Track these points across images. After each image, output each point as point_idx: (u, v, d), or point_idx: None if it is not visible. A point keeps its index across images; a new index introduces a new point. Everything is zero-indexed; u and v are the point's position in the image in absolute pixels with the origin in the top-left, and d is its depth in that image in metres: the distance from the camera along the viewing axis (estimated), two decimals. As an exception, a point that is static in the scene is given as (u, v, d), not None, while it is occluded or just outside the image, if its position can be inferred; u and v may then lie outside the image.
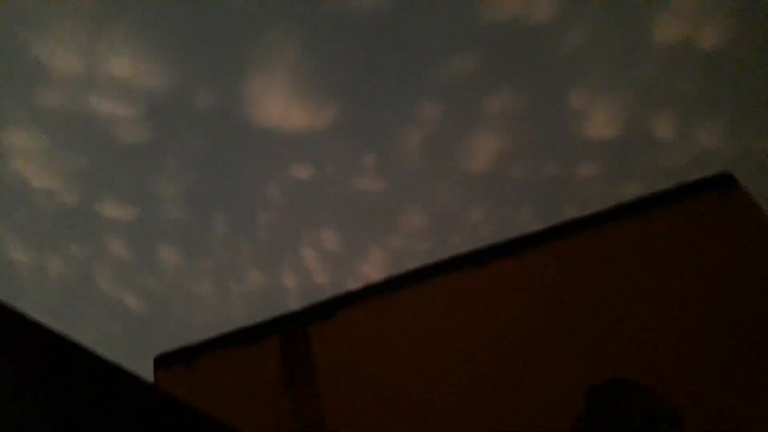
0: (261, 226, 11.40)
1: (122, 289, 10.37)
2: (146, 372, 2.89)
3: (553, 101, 10.55)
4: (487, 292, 3.04)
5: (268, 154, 11.14)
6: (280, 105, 10.93)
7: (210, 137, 10.64)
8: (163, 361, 3.08)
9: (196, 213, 10.99)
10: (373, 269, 11.93)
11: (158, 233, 10.81)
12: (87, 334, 10.45)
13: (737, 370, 2.44)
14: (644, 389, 1.97)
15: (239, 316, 11.58)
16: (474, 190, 12.80)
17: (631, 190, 10.37)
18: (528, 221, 11.28)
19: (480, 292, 3.05)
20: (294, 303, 11.93)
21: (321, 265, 11.71)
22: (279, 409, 2.88)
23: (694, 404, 2.34)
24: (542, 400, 2.57)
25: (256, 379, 3.06)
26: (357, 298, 3.22)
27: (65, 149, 9.54)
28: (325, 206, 11.71)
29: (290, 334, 3.15)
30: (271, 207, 11.25)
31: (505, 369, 2.77)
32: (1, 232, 9.57)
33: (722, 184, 2.96)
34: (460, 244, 12.77)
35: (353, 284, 12.20)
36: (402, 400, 2.81)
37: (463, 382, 2.75)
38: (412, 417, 2.74)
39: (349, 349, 3.06)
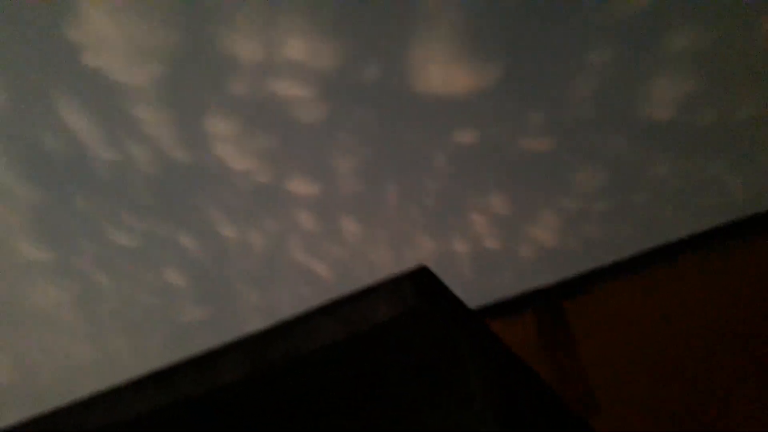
0: (430, 193, 12.01)
1: (312, 258, 11.72)
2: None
3: (744, 33, 9.52)
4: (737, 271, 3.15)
5: (432, 121, 11.58)
6: (442, 70, 11.24)
7: (377, 109, 11.35)
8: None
9: (370, 184, 11.91)
10: (545, 233, 12.00)
11: (339, 205, 11.94)
12: (284, 298, 12.04)
13: None
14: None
15: (413, 280, 12.38)
16: (657, 141, 12.15)
17: None
18: (721, 172, 10.49)
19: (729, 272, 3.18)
20: (466, 269, 12.49)
21: (491, 230, 12.05)
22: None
23: None
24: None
25: (516, 348, 3.55)
26: (608, 275, 3.51)
27: (255, 132, 10.84)
28: (492, 169, 11.95)
29: (546, 308, 3.56)
30: (438, 174, 11.77)
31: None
32: (210, 211, 11.27)
33: None
34: (644, 202, 12.28)
35: (525, 250, 12.40)
36: (656, 369, 3.10)
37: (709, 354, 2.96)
38: (667, 382, 3.02)
39: (604, 322, 3.40)
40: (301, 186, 11.53)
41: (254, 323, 12.33)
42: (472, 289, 12.39)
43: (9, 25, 8.26)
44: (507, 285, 12.45)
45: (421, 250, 12.34)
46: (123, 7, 8.42)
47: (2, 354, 11.00)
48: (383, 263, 12.45)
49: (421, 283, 1.50)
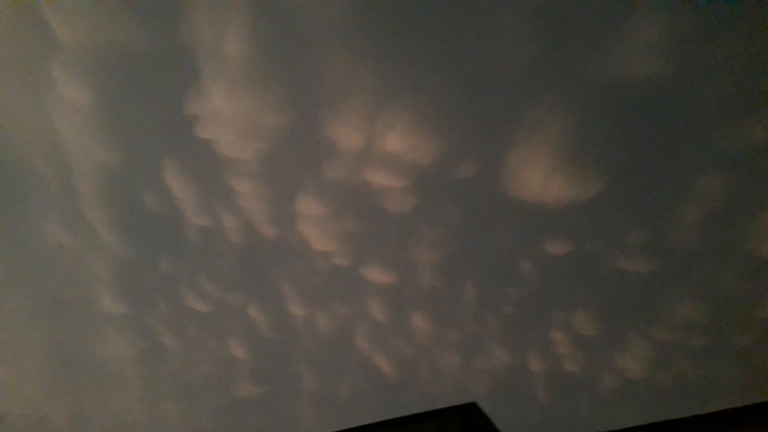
0: (511, 301, 11.82)
1: (376, 351, 11.66)
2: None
3: None
4: None
5: (523, 227, 11.58)
6: (539, 177, 11.33)
7: (467, 208, 11.50)
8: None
9: (449, 282, 11.90)
10: (633, 363, 11.43)
11: (412, 300, 11.96)
12: (342, 389, 11.95)
13: None
14: None
15: (481, 393, 12.01)
16: (765, 281, 11.56)
17: None
18: None
19: None
20: (539, 391, 11.98)
21: (572, 352, 11.61)
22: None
23: None
24: None
25: None
26: None
27: (342, 216, 11.22)
28: (582, 286, 11.67)
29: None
30: (522, 282, 11.62)
31: None
32: (284, 288, 11.58)
33: None
34: (746, 343, 11.57)
35: (608, 379, 11.82)
36: None
37: None
38: None
39: None
40: (377, 274, 11.70)
41: (308, 410, 12.22)
42: (544, 413, 11.81)
43: (135, 92, 9.15)
44: (583, 414, 11.79)
45: (492, 362, 12.01)
46: (241, 87, 9.17)
47: (62, 400, 11.43)
48: (450, 368, 12.19)
49: (467, 422, 1.51)
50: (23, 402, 11.32)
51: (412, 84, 9.99)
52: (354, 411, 11.87)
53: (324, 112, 10.27)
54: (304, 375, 11.86)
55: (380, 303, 11.94)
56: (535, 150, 10.33)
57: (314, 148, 10.61)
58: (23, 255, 10.80)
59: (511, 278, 11.69)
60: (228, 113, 9.62)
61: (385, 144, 10.70)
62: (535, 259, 11.46)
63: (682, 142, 10.90)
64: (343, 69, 9.63)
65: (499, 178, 10.81)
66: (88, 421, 10.92)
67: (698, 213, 10.94)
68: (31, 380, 11.33)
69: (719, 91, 10.12)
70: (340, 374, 12.02)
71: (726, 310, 11.66)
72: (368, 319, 11.83)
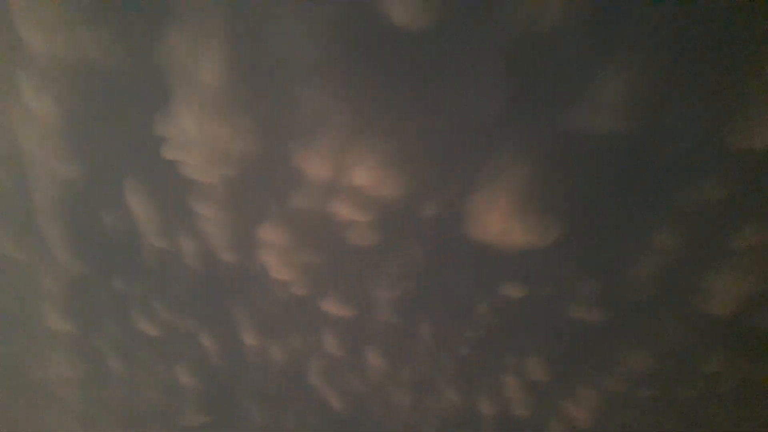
0: (465, 342, 12.02)
1: (328, 386, 11.65)
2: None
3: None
4: None
5: (482, 269, 11.87)
6: (499, 222, 11.68)
7: (428, 247, 11.76)
8: None
9: (405, 320, 12.04)
10: (581, 410, 11.69)
11: (367, 335, 12.04)
12: (289, 423, 11.87)
13: None
14: None
15: (430, 433, 12.07)
16: (711, 337, 12.07)
17: None
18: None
19: None
20: (488, 431, 12.13)
21: (522, 397, 11.83)
22: None
23: None
24: None
25: None
26: None
27: (304, 246, 11.32)
28: (534, 332, 11.96)
29: None
30: (478, 324, 11.85)
31: None
32: (238, 315, 11.54)
33: None
34: (689, 397, 12.00)
35: (556, 425, 12.07)
36: None
37: None
38: None
39: None
40: (335, 307, 11.78)
41: (252, 442, 12.07)
42: (492, 456, 11.95)
43: (103, 109, 9.17)
44: (530, 460, 11.96)
45: (443, 402, 12.13)
46: (213, 112, 9.30)
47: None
48: (401, 407, 12.24)
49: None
50: (-48, 420, 10.87)
51: (383, 124, 10.28)
52: (301, 446, 11.79)
53: (294, 143, 10.44)
54: (252, 406, 11.76)
55: (336, 336, 12.00)
56: (497, 195, 10.68)
57: (281, 177, 10.74)
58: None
59: (467, 319, 11.92)
60: (197, 137, 9.71)
61: (353, 178, 10.92)
62: (492, 301, 11.74)
63: (639, 197, 11.39)
64: (317, 103, 9.86)
65: (461, 221, 11.12)
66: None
67: (650, 267, 11.41)
68: (-38, 397, 10.93)
69: (677, 149, 10.67)
70: (289, 407, 11.96)
71: (672, 362, 12.10)
72: (322, 352, 11.86)
